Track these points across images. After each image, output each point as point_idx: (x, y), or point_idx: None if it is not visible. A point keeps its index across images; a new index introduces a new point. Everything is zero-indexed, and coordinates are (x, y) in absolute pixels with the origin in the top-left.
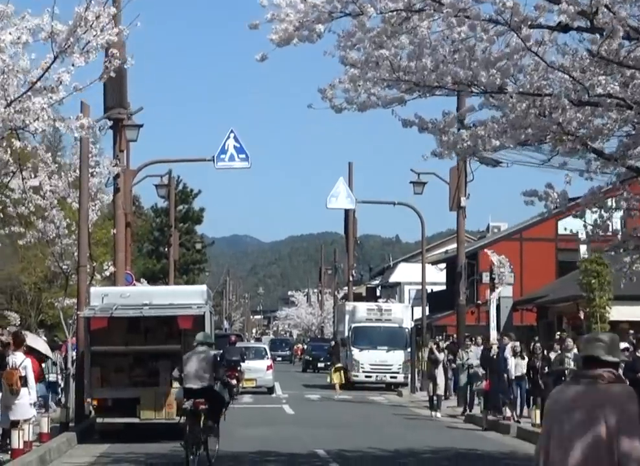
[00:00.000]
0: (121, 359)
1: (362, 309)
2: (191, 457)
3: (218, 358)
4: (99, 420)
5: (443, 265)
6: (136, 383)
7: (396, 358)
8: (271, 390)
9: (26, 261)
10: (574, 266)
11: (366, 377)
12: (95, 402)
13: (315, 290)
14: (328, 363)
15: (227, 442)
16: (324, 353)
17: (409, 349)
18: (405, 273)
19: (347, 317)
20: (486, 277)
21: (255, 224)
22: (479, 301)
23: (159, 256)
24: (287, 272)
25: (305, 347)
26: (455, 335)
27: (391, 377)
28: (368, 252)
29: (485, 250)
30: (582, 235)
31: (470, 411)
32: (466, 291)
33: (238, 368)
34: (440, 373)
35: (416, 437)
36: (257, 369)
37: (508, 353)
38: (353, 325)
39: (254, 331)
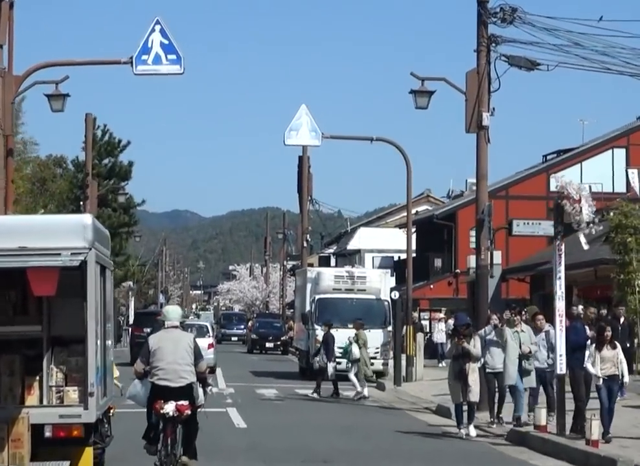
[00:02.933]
0: None
1: (328, 276)
2: None
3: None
4: None
5: (413, 229)
6: None
7: (372, 339)
8: (212, 369)
9: None
10: (572, 228)
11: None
12: None
13: (258, 265)
14: (278, 342)
15: None
16: (273, 330)
17: (389, 328)
18: (367, 239)
19: (309, 287)
20: (517, 226)
21: (195, 199)
22: (457, 270)
23: None
24: (229, 247)
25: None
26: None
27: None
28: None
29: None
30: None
31: (500, 422)
32: (489, 247)
33: None
34: (474, 369)
35: None
36: None
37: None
38: (316, 297)
39: (194, 306)
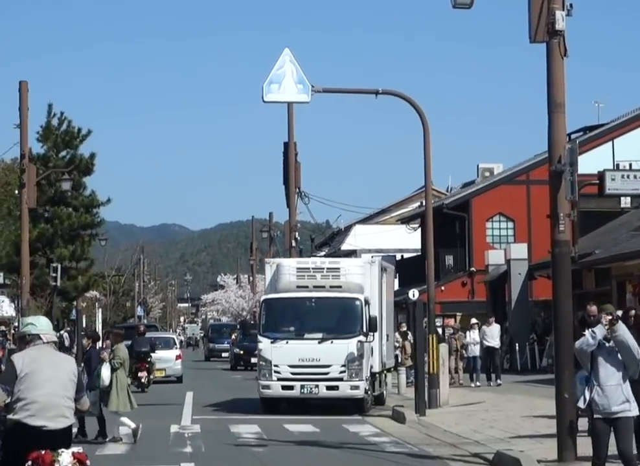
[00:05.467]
0: None
1: (288, 269)
2: None
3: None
4: None
5: (417, 223)
6: None
7: (335, 353)
8: (180, 379)
9: None
10: (608, 216)
11: (284, 388)
12: None
13: (246, 275)
14: None
15: None
16: None
17: (361, 337)
18: (363, 237)
19: (267, 285)
20: (613, 182)
21: (184, 213)
22: (472, 269)
23: (36, 218)
24: (217, 259)
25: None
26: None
27: (328, 388)
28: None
29: None
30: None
31: None
32: (571, 213)
33: (149, 359)
34: None
35: None
36: (166, 359)
37: None
38: (262, 298)
39: (182, 319)
